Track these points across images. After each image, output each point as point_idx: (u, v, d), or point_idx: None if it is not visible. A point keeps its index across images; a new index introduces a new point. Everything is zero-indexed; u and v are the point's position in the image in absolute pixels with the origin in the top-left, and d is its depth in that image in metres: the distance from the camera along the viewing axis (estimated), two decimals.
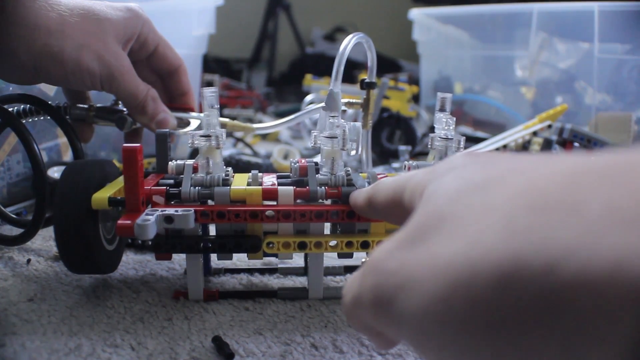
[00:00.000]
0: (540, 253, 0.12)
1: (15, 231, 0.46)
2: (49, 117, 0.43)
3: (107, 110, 0.45)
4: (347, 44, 0.41)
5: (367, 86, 0.45)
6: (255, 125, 0.51)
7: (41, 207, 0.38)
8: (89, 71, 0.38)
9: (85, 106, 0.44)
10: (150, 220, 0.29)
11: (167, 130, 0.39)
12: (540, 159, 0.15)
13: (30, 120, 0.44)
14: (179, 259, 0.43)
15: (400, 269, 0.16)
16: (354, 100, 0.47)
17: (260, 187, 0.34)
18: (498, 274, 0.12)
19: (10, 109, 0.42)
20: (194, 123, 0.47)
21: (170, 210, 0.31)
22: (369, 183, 0.35)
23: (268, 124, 0.52)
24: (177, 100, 0.48)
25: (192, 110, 0.48)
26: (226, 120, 0.49)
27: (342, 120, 0.35)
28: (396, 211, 0.22)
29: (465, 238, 0.14)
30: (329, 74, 0.41)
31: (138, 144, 0.31)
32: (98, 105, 0.45)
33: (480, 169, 0.16)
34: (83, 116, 0.44)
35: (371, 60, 0.45)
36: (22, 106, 0.43)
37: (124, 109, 0.44)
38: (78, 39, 0.37)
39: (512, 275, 0.12)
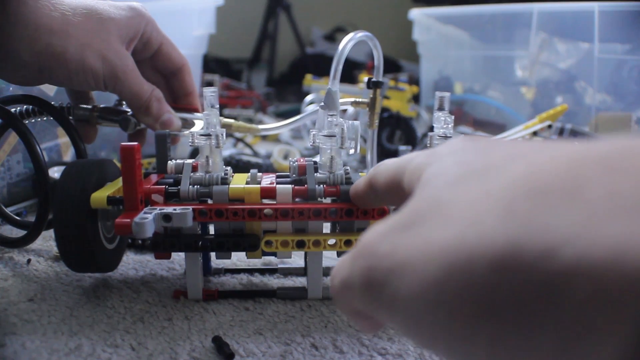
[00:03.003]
0: (538, 238, 0.11)
1: (16, 231, 0.46)
2: (51, 118, 0.43)
3: (110, 110, 0.44)
4: (347, 42, 0.41)
5: (374, 85, 0.45)
6: (260, 126, 0.51)
7: (44, 210, 0.38)
8: (92, 71, 0.38)
9: (89, 107, 0.44)
10: (148, 218, 0.29)
11: (167, 130, 0.39)
12: (540, 145, 0.14)
13: (33, 120, 0.44)
14: (179, 259, 0.43)
15: (393, 253, 0.15)
16: (360, 100, 0.47)
17: (259, 185, 0.34)
18: (495, 259, 0.12)
19: (13, 110, 0.43)
20: (199, 124, 0.46)
21: (168, 209, 0.31)
22: None
23: (273, 124, 0.52)
24: (182, 101, 0.47)
25: (197, 111, 0.47)
26: (231, 121, 0.49)
27: (341, 119, 0.36)
28: (396, 194, 0.22)
29: (462, 223, 0.13)
30: (329, 74, 0.41)
31: (136, 143, 0.31)
32: (102, 105, 0.44)
33: (481, 155, 0.16)
34: (86, 117, 0.44)
35: (377, 59, 0.45)
36: (24, 107, 0.43)
37: (128, 110, 0.44)
38: (81, 39, 0.37)
39: (509, 261, 0.12)
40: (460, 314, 0.13)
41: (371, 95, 0.46)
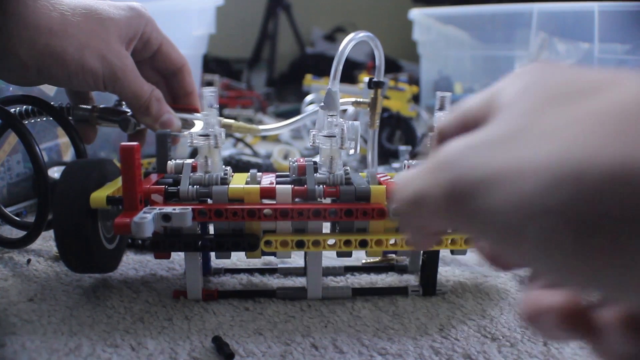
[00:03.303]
0: None
1: (15, 231, 0.46)
2: (51, 119, 0.43)
3: (110, 111, 0.44)
4: (347, 42, 0.40)
5: (375, 85, 0.45)
6: (261, 127, 0.51)
7: (43, 210, 0.38)
8: (91, 71, 0.38)
9: (89, 107, 0.44)
10: (147, 218, 0.29)
11: (168, 130, 0.39)
12: (630, 74, 0.15)
13: (32, 121, 0.44)
14: (179, 259, 0.43)
15: (483, 165, 0.15)
16: (361, 100, 0.47)
17: (258, 185, 0.34)
18: (608, 170, 0.12)
19: (12, 110, 0.42)
20: (199, 124, 0.46)
21: (167, 209, 0.31)
22: (368, 182, 0.36)
23: (273, 125, 0.51)
24: (181, 101, 0.47)
25: (197, 111, 0.47)
26: (231, 121, 0.48)
27: (341, 119, 0.35)
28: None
29: (566, 139, 0.13)
30: (329, 74, 0.41)
31: (135, 143, 0.31)
32: (101, 106, 0.44)
33: (575, 76, 0.16)
34: (86, 117, 0.44)
35: (379, 59, 0.44)
36: (24, 107, 0.43)
37: (128, 110, 0.44)
38: (80, 39, 0.37)
39: (625, 172, 0.12)
40: (565, 225, 0.13)
41: (372, 95, 0.45)
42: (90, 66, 0.37)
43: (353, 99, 0.47)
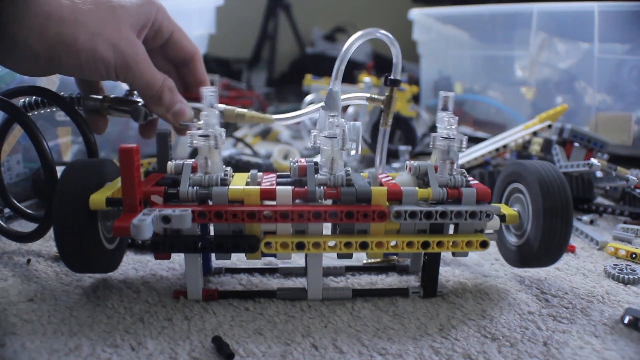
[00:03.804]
0: None
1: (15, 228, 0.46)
2: (58, 109, 0.42)
3: (121, 101, 0.43)
4: (356, 39, 0.40)
5: (391, 83, 0.44)
6: (274, 116, 0.50)
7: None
8: (103, 60, 0.37)
9: (99, 97, 0.43)
10: (146, 220, 0.29)
11: (168, 130, 0.39)
12: None
13: (42, 112, 0.43)
14: (179, 259, 0.43)
15: None
16: (375, 96, 0.46)
17: (258, 187, 0.34)
18: None
19: (21, 101, 0.42)
20: None
21: (167, 210, 0.31)
22: (369, 183, 0.35)
23: (288, 114, 0.50)
24: (193, 90, 0.46)
25: None
26: (245, 111, 0.48)
27: (342, 120, 0.35)
28: None
29: None
30: (329, 74, 0.40)
31: (134, 144, 0.31)
32: (112, 96, 0.44)
33: None
34: (97, 107, 0.43)
35: (396, 57, 0.44)
36: (33, 98, 0.42)
37: (139, 100, 0.43)
38: (92, 28, 0.36)
39: None
40: None
41: (387, 93, 0.45)
42: (102, 55, 0.37)
43: (368, 95, 0.46)
